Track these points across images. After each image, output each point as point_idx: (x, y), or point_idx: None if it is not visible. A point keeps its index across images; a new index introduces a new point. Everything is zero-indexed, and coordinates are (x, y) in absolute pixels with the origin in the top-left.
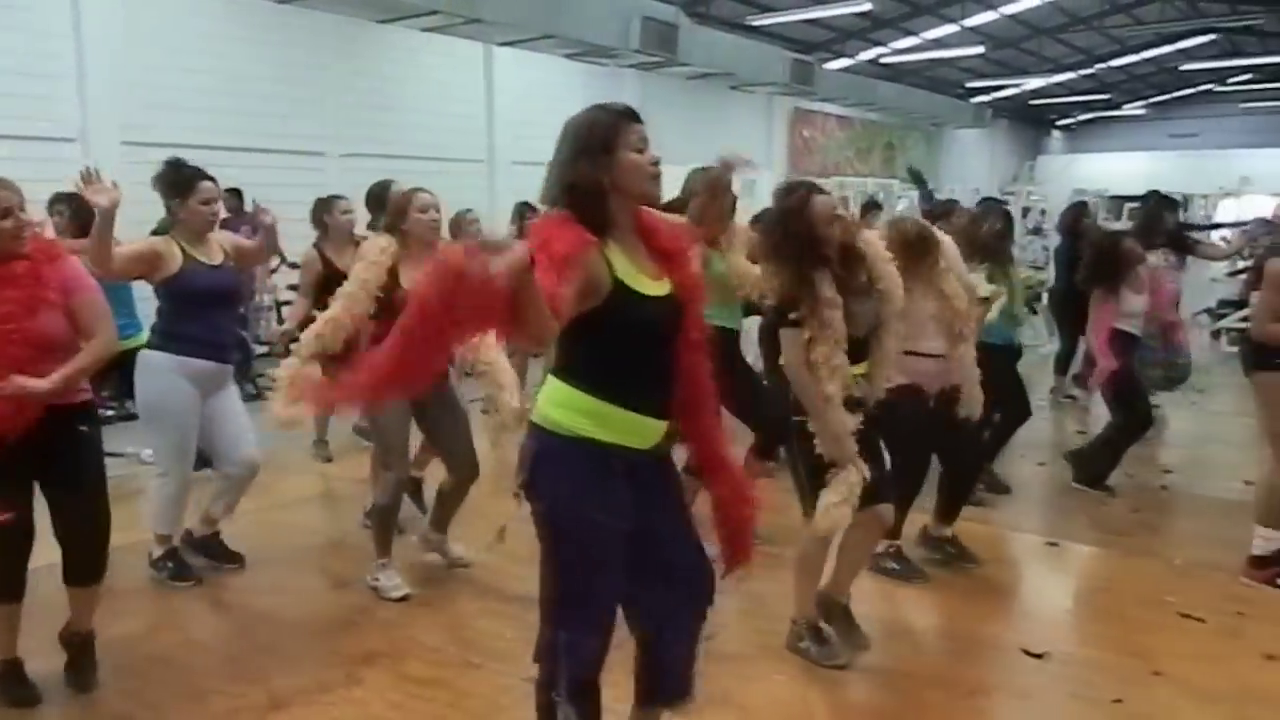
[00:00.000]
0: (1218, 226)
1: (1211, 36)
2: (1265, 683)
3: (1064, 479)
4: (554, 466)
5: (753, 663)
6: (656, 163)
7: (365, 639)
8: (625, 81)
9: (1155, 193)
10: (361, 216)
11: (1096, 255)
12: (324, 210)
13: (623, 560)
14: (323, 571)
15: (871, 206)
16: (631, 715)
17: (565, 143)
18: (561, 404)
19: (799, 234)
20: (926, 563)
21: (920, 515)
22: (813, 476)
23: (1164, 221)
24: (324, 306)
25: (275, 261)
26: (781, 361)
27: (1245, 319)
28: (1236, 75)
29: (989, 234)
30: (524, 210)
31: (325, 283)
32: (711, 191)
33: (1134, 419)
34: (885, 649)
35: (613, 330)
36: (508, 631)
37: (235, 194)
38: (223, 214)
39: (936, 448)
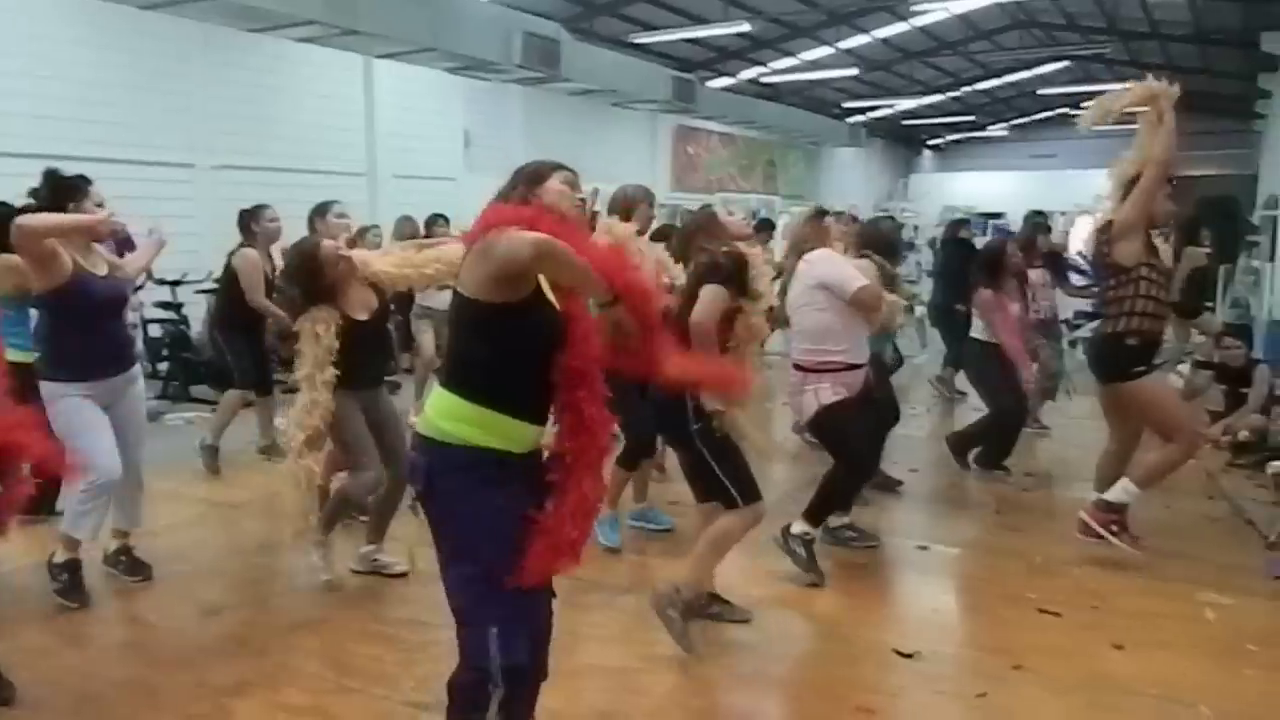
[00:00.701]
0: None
1: (1066, 63)
2: (1115, 671)
3: (935, 485)
4: (449, 476)
5: (634, 675)
6: (583, 200)
7: (237, 668)
8: (509, 97)
9: (1035, 213)
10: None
11: (987, 258)
12: (251, 218)
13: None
14: (192, 600)
15: (765, 226)
16: None
17: (509, 182)
18: (454, 416)
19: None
20: (839, 555)
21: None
22: (723, 461)
23: (1039, 243)
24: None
25: (142, 278)
26: (694, 317)
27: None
28: (1089, 99)
29: (887, 230)
30: (434, 220)
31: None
32: None
33: (1005, 412)
34: (760, 652)
35: (521, 333)
36: (387, 654)
37: (100, 208)
38: None
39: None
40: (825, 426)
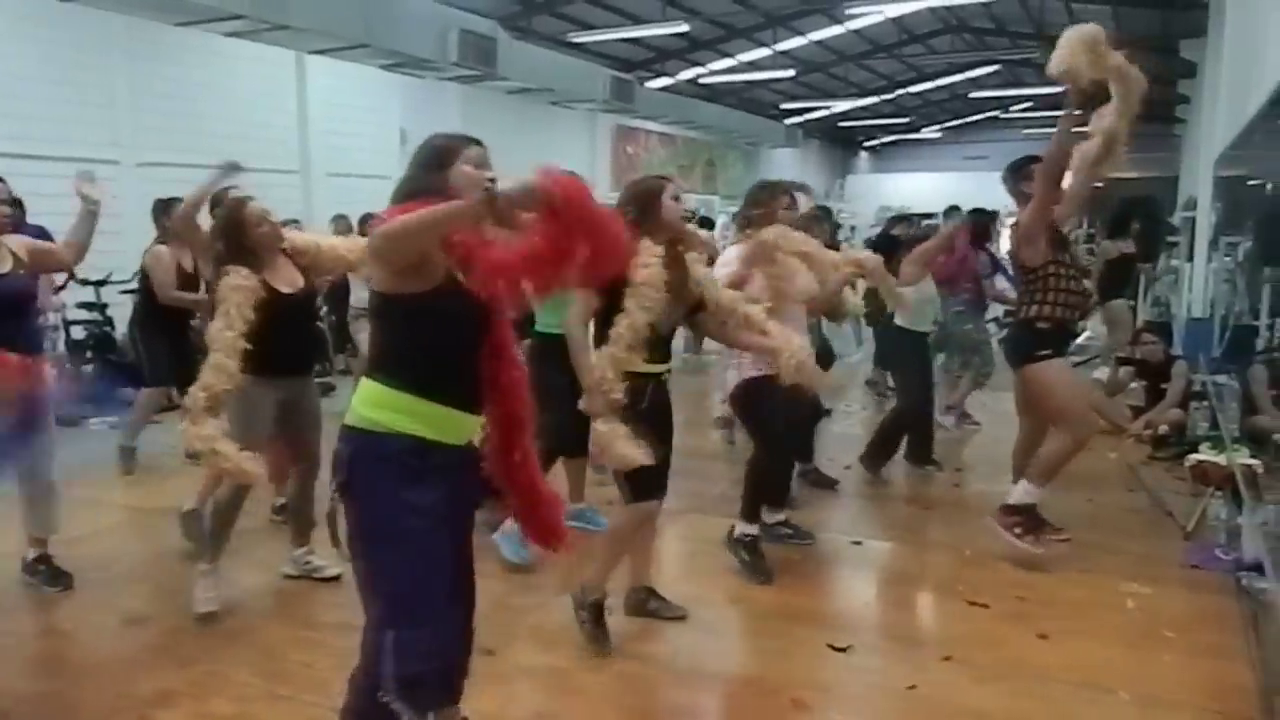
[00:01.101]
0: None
1: (996, 67)
2: (1039, 660)
3: (870, 481)
4: (371, 466)
5: (570, 675)
6: (493, 180)
7: (161, 678)
8: (446, 94)
9: (978, 210)
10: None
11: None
12: (165, 212)
13: (448, 553)
14: (113, 608)
15: (705, 224)
16: None
17: (411, 161)
18: (379, 404)
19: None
20: (773, 551)
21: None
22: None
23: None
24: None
25: (63, 278)
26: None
27: None
28: (1018, 103)
29: (808, 215)
30: (369, 219)
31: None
32: None
33: (905, 411)
34: (696, 649)
35: (439, 321)
36: (318, 660)
37: (17, 204)
38: None
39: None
40: (745, 402)
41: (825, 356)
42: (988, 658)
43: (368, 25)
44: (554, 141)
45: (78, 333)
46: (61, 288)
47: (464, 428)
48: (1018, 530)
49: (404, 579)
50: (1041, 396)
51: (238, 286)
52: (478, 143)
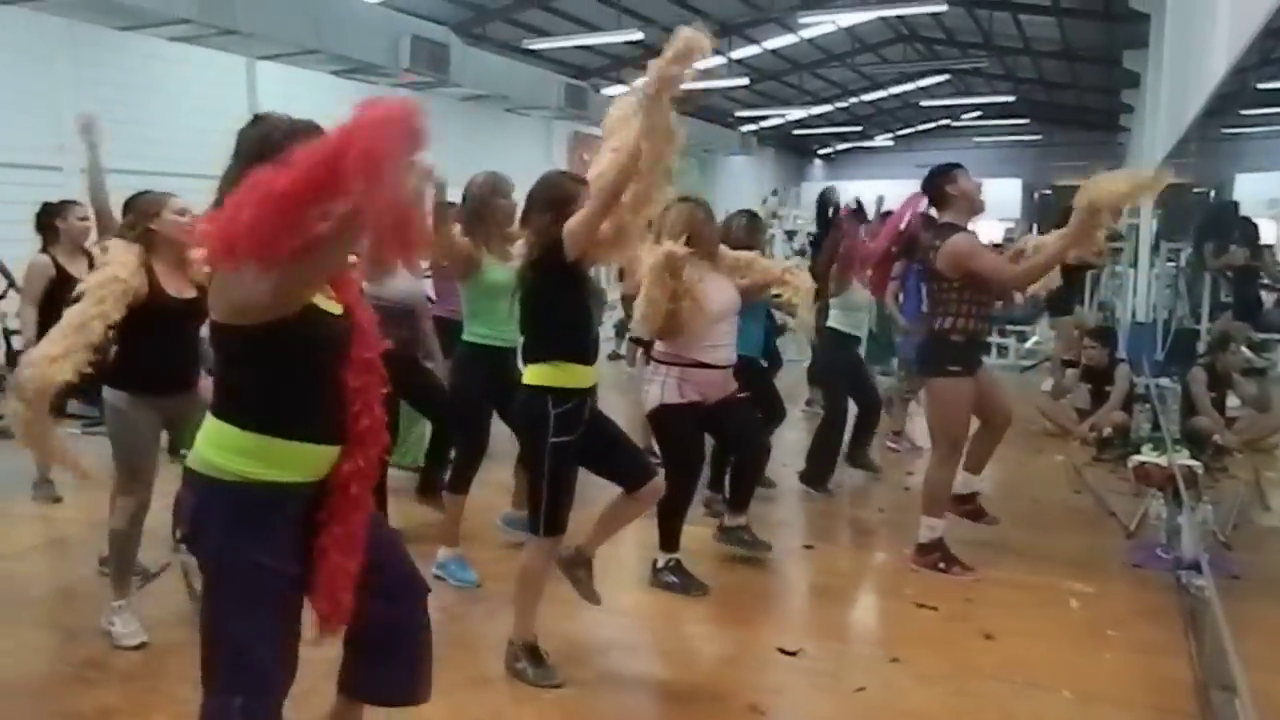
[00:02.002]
0: None
1: (946, 76)
2: (984, 660)
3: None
4: (215, 514)
5: (519, 686)
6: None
7: (100, 695)
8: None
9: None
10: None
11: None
12: (56, 214)
13: (298, 612)
14: (49, 624)
15: None
16: None
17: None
18: (221, 446)
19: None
20: (726, 555)
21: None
22: (552, 485)
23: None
24: (53, 316)
25: (2, 286)
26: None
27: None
28: (968, 112)
29: (739, 230)
30: None
31: (54, 291)
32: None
33: (829, 421)
34: (647, 656)
35: (296, 349)
36: None
37: None
38: None
39: (704, 456)
40: (659, 425)
41: (774, 361)
42: (934, 659)
43: (318, 31)
44: (509, 148)
45: (17, 344)
46: (1, 296)
47: (320, 460)
48: (941, 565)
49: (253, 645)
50: (932, 408)
51: (128, 254)
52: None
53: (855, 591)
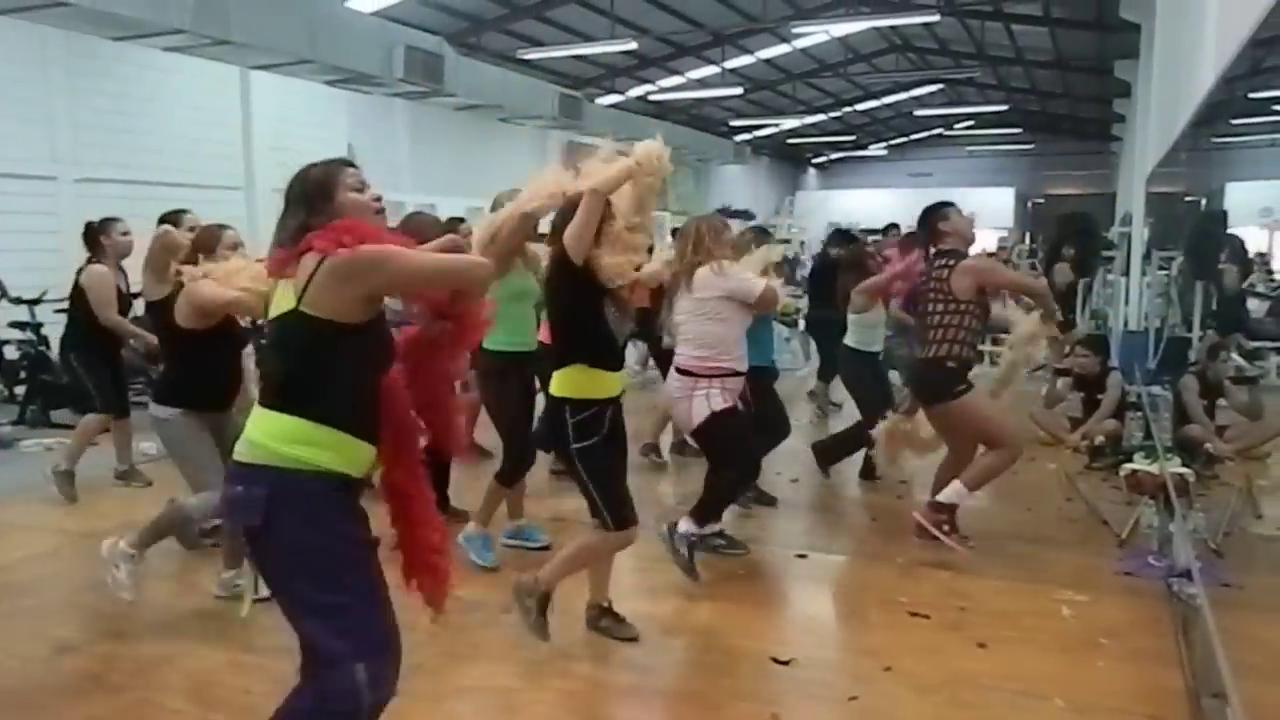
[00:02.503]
0: None
1: (939, 86)
2: (977, 669)
3: (816, 495)
4: (295, 501)
5: (514, 694)
6: (378, 199)
7: (90, 707)
8: (394, 111)
9: (893, 225)
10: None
11: (849, 260)
12: (101, 231)
13: (381, 573)
14: (43, 636)
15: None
16: None
17: (291, 195)
18: (291, 438)
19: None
20: (717, 566)
21: None
22: (597, 482)
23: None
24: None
25: None
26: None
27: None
28: (961, 121)
29: (746, 241)
30: None
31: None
32: None
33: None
34: (640, 665)
35: (363, 351)
36: (255, 685)
37: None
38: None
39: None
40: (716, 433)
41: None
42: (927, 668)
43: (312, 41)
44: (503, 158)
45: (10, 353)
46: None
47: (367, 458)
48: (945, 528)
49: (362, 611)
50: (972, 426)
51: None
52: (350, 164)
53: (848, 600)
